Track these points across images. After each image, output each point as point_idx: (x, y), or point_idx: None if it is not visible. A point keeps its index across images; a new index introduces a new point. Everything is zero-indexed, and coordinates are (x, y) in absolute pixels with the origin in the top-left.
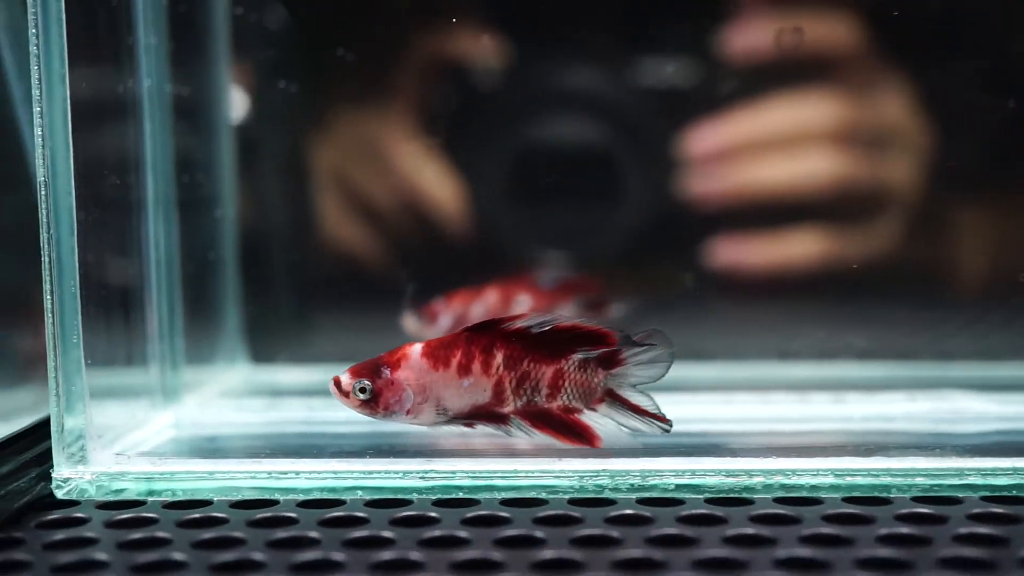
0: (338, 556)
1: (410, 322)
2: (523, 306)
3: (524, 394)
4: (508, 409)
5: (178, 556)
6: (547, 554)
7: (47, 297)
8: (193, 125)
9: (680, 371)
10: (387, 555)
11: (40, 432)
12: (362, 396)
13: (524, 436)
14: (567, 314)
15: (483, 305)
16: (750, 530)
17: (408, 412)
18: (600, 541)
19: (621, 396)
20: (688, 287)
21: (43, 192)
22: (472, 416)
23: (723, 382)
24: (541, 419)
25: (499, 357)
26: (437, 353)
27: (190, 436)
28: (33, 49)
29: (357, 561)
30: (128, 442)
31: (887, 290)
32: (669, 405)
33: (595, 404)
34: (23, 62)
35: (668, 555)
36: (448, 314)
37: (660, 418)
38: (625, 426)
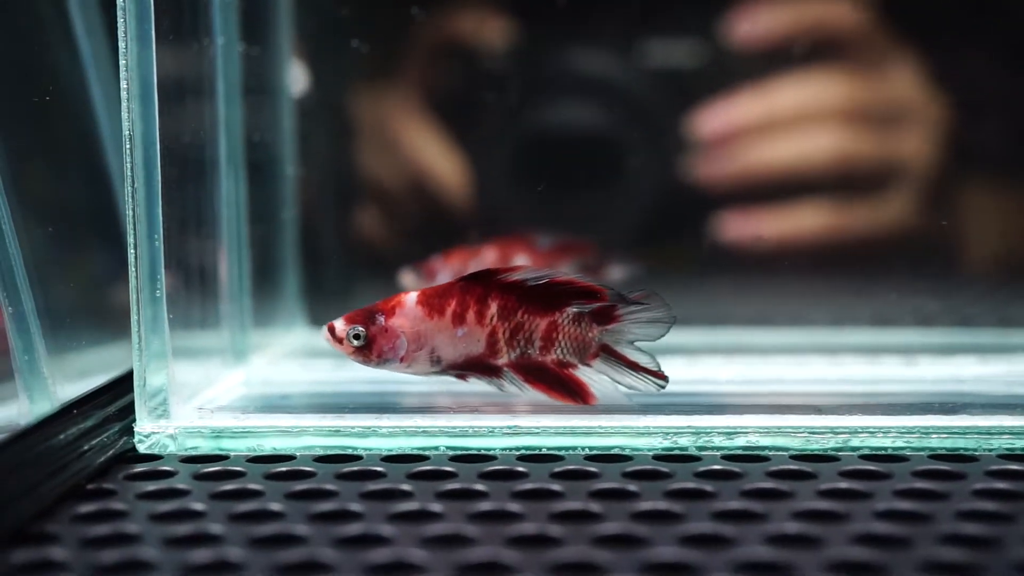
0: (435, 507)
1: (408, 279)
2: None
3: (518, 346)
4: (502, 361)
5: (275, 506)
6: (643, 505)
7: (131, 252)
8: (261, 85)
9: (749, 336)
10: (485, 506)
11: (120, 387)
12: (356, 343)
13: (516, 391)
14: (564, 271)
15: (480, 264)
16: (843, 484)
17: (402, 360)
18: (693, 494)
19: (617, 351)
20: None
21: (128, 146)
22: (465, 367)
23: (791, 346)
24: (534, 373)
25: (493, 308)
26: (432, 301)
27: (262, 394)
28: (120, 3)
29: (455, 511)
30: (203, 399)
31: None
32: (739, 366)
33: (590, 359)
34: (91, 21)
35: (766, 507)
36: (446, 272)
37: (656, 374)
38: (620, 383)
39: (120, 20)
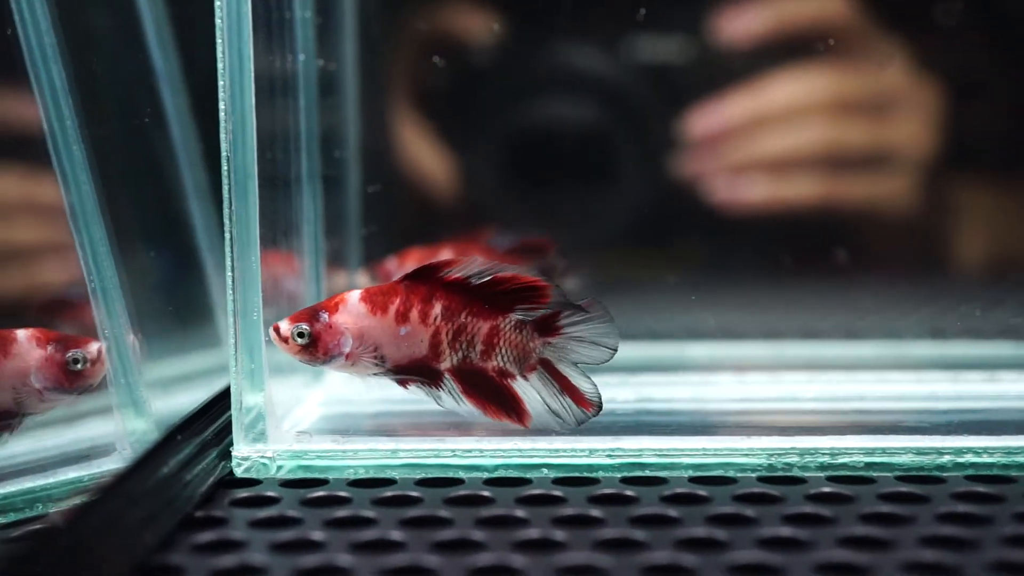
0: (559, 535)
1: (362, 280)
2: None
3: (460, 349)
4: (444, 365)
5: (395, 536)
6: (765, 532)
7: (228, 273)
8: (336, 100)
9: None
10: (608, 533)
11: (214, 410)
12: (301, 341)
13: (453, 403)
14: (508, 265)
15: None
16: (960, 508)
17: (347, 357)
18: (810, 519)
19: (555, 369)
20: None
21: (227, 168)
22: (408, 369)
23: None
24: (474, 382)
25: (437, 307)
26: (376, 299)
27: (343, 413)
28: (219, 23)
29: (578, 539)
30: (292, 420)
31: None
32: (820, 384)
33: (528, 371)
34: (163, 36)
35: (891, 533)
36: (400, 273)
37: (583, 402)
38: (547, 403)
39: (219, 40)
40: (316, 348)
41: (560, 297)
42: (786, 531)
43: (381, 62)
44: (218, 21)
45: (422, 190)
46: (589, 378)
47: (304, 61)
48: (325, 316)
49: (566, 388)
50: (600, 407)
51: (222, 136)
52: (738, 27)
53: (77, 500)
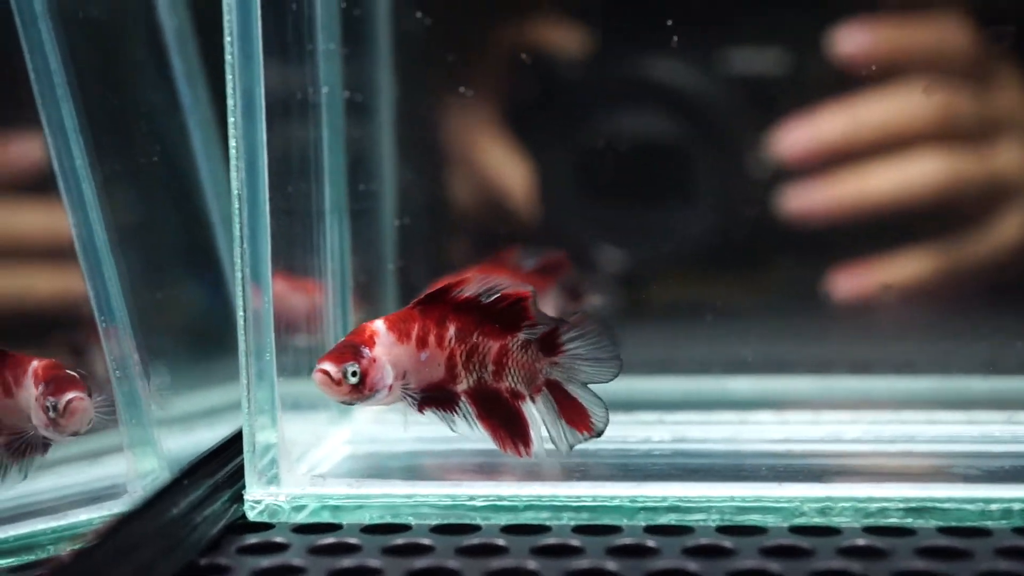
0: None
1: None
2: None
3: (473, 370)
4: (460, 388)
5: None
6: None
7: (239, 313)
8: (365, 131)
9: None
10: None
11: (228, 451)
12: (354, 380)
13: (467, 429)
14: (512, 282)
15: None
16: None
17: (389, 390)
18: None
19: (564, 390)
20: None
21: (237, 205)
22: (427, 395)
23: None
24: (488, 404)
25: (451, 329)
26: (399, 326)
27: (369, 453)
28: (228, 58)
29: None
30: (312, 460)
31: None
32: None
33: (535, 392)
34: (191, 69)
35: None
36: None
37: (583, 426)
38: (547, 427)
39: (228, 76)
40: (364, 386)
41: (542, 315)
42: None
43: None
44: (228, 57)
45: (500, 204)
46: (601, 401)
47: (327, 93)
48: (367, 351)
49: (573, 409)
50: (600, 432)
51: (233, 174)
52: (854, 44)
53: (70, 547)
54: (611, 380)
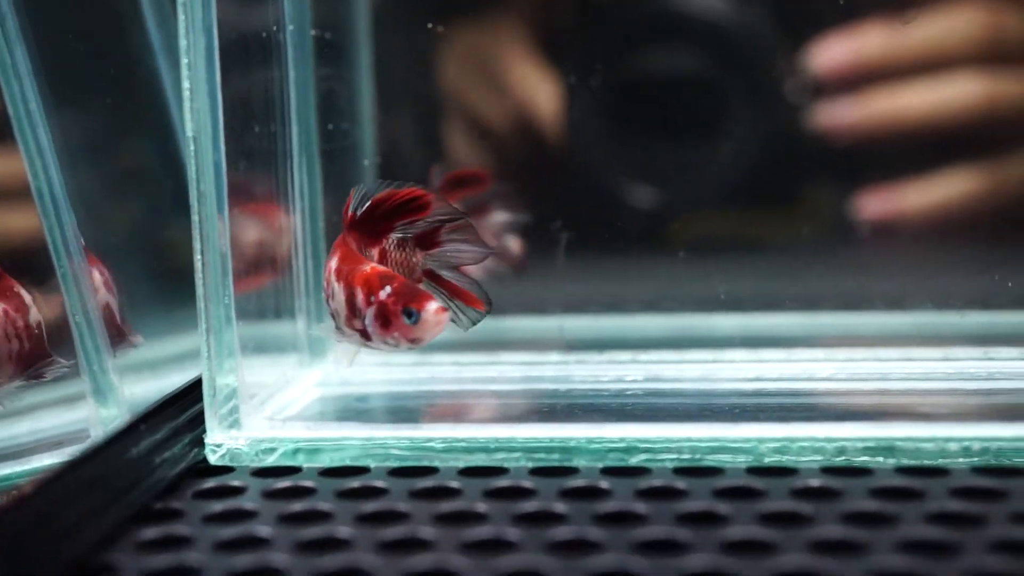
0: (512, 534)
1: None
2: None
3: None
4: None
5: (343, 532)
6: (733, 533)
7: (196, 256)
8: (336, 70)
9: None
10: (562, 532)
11: (192, 395)
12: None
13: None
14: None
15: None
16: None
17: None
18: (792, 520)
19: (440, 277)
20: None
21: (192, 148)
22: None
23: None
24: None
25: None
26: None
27: (338, 395)
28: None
29: (532, 539)
30: (280, 402)
31: None
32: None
33: (417, 282)
34: (162, 10)
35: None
36: None
37: (473, 301)
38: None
39: (181, 16)
40: None
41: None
42: (761, 532)
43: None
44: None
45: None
46: (475, 281)
47: (293, 31)
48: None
49: (455, 294)
50: (491, 304)
51: (186, 116)
52: None
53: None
54: (479, 262)
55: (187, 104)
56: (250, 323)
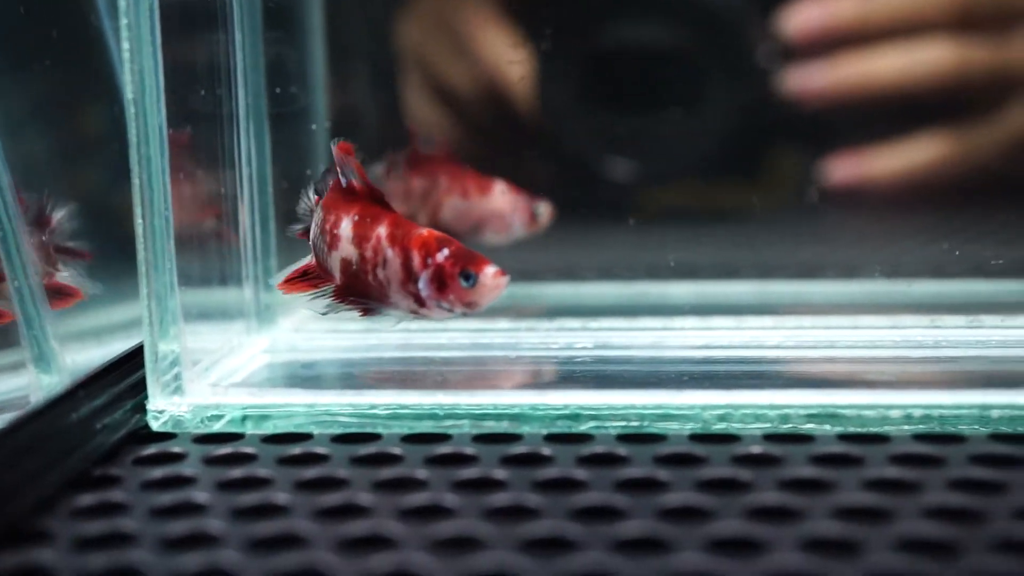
0: (450, 500)
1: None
2: None
3: None
4: None
5: (281, 498)
6: (670, 500)
7: (138, 221)
8: (285, 33)
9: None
10: (501, 498)
11: (134, 361)
12: None
13: None
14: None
15: None
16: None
17: None
18: (728, 486)
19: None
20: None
21: (132, 110)
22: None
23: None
24: None
25: None
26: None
27: (286, 362)
28: None
29: (471, 506)
30: (225, 369)
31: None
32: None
33: None
34: None
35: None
36: None
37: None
38: None
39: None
40: None
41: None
42: (699, 499)
43: None
44: None
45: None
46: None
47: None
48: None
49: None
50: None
51: (126, 78)
52: None
53: None
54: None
55: (127, 66)
56: (194, 289)
